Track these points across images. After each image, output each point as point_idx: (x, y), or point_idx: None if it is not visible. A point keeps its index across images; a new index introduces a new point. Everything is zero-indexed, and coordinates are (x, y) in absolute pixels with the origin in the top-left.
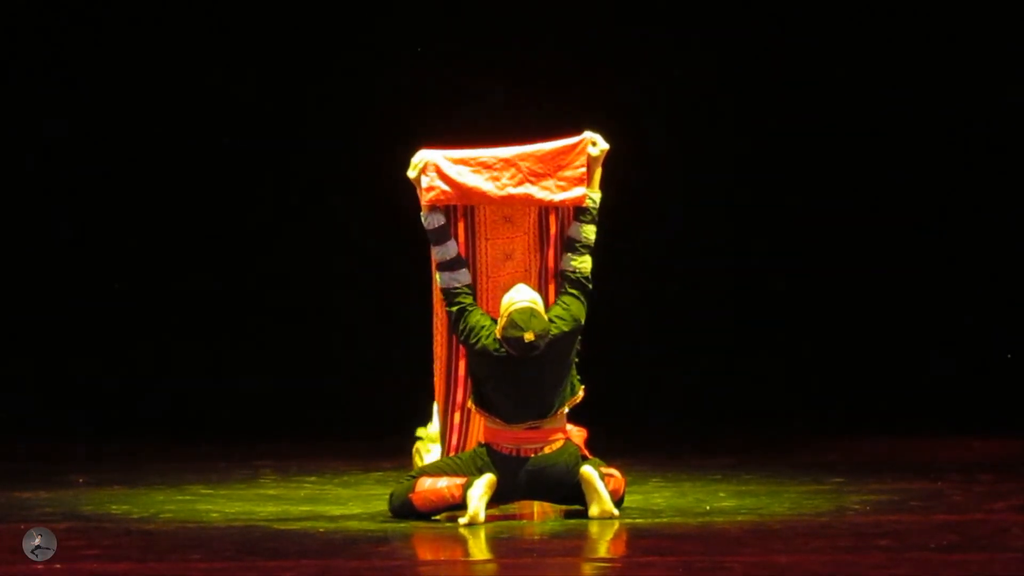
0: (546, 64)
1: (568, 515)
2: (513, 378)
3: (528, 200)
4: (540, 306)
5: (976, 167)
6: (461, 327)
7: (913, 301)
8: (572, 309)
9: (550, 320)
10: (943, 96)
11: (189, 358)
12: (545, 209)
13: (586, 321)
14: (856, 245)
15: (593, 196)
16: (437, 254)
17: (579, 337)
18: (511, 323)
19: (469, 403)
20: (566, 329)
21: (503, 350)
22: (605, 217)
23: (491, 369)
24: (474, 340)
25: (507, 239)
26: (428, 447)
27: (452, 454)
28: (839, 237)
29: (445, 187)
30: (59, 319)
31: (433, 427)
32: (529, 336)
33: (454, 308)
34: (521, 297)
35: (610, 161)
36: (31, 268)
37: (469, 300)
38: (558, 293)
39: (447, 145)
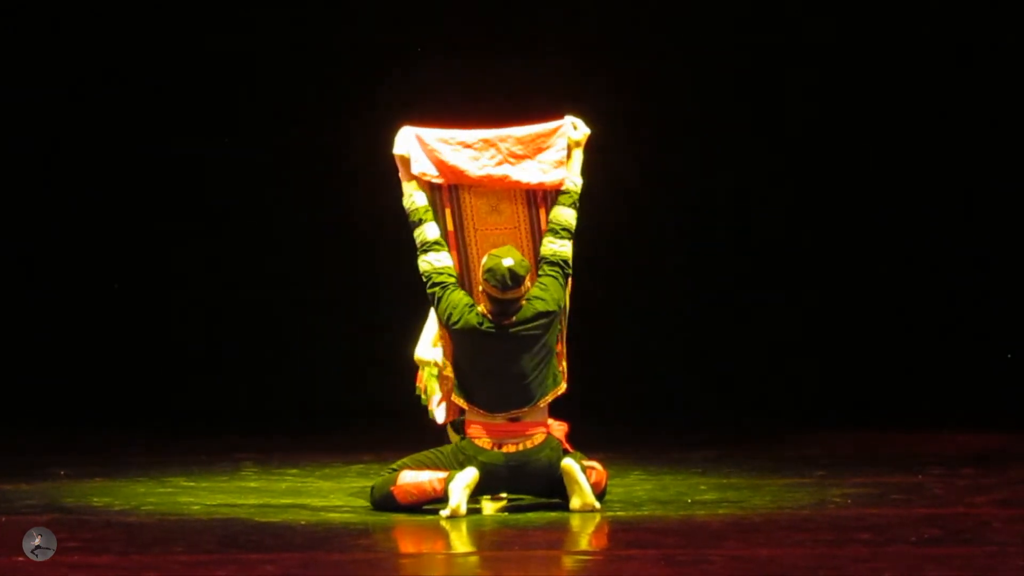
0: (535, 47)
1: (550, 508)
2: (495, 359)
3: (506, 181)
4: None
5: (961, 158)
6: (443, 307)
7: (897, 295)
8: (551, 290)
9: (530, 299)
10: (937, 89)
11: (175, 350)
12: (535, 204)
13: (570, 314)
14: (843, 240)
15: (575, 181)
16: (418, 236)
17: (560, 323)
18: (491, 257)
19: (453, 396)
20: (548, 308)
21: (486, 325)
22: (600, 207)
23: (474, 349)
24: (457, 317)
25: (495, 231)
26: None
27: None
28: (825, 232)
29: (427, 162)
30: (42, 309)
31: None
32: (508, 262)
33: (435, 289)
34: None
35: (595, 150)
36: (11, 258)
37: (452, 280)
38: (537, 276)
39: (430, 125)
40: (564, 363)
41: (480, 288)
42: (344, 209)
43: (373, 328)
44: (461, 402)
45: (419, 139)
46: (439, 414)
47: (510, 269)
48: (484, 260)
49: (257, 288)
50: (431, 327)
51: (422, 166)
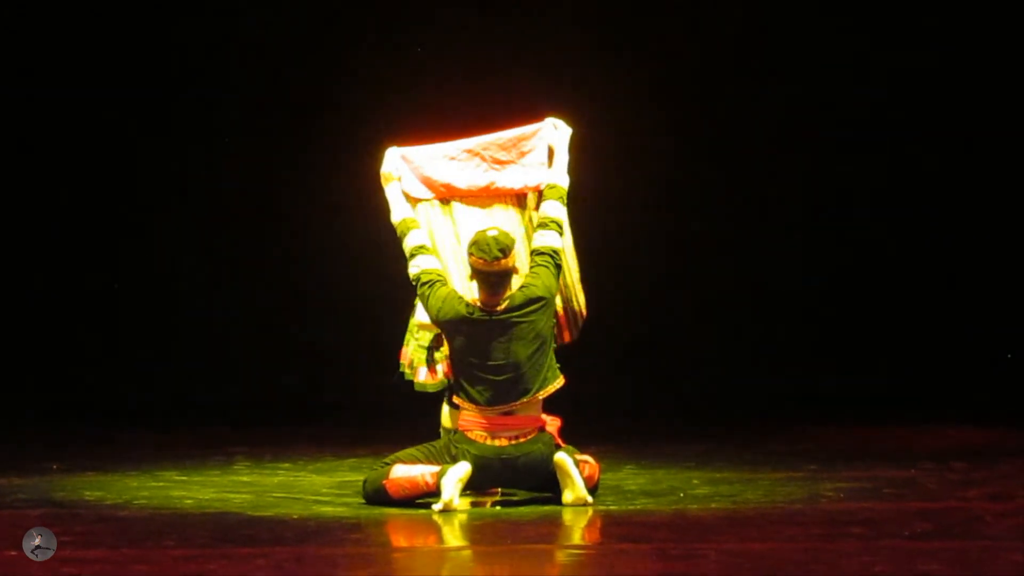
0: (511, 53)
1: (542, 502)
2: (487, 349)
3: (492, 188)
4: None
5: (961, 157)
6: (431, 302)
7: (888, 290)
8: (542, 277)
9: (523, 286)
10: (939, 90)
11: (164, 344)
12: (527, 208)
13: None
14: (838, 237)
15: (562, 178)
16: (406, 246)
17: (553, 310)
18: (476, 232)
19: (454, 398)
20: (538, 293)
21: (476, 314)
22: (588, 202)
23: (465, 339)
24: (446, 309)
25: None
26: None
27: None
28: (820, 229)
29: (413, 179)
30: (32, 305)
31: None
32: (493, 232)
33: (423, 288)
34: None
35: (587, 147)
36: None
37: (439, 279)
38: (530, 268)
39: (413, 139)
40: (582, 299)
41: (469, 276)
42: (341, 207)
43: (368, 324)
44: (457, 399)
45: (405, 159)
46: (423, 375)
47: (495, 238)
48: (470, 238)
49: (252, 284)
50: None
51: (410, 186)
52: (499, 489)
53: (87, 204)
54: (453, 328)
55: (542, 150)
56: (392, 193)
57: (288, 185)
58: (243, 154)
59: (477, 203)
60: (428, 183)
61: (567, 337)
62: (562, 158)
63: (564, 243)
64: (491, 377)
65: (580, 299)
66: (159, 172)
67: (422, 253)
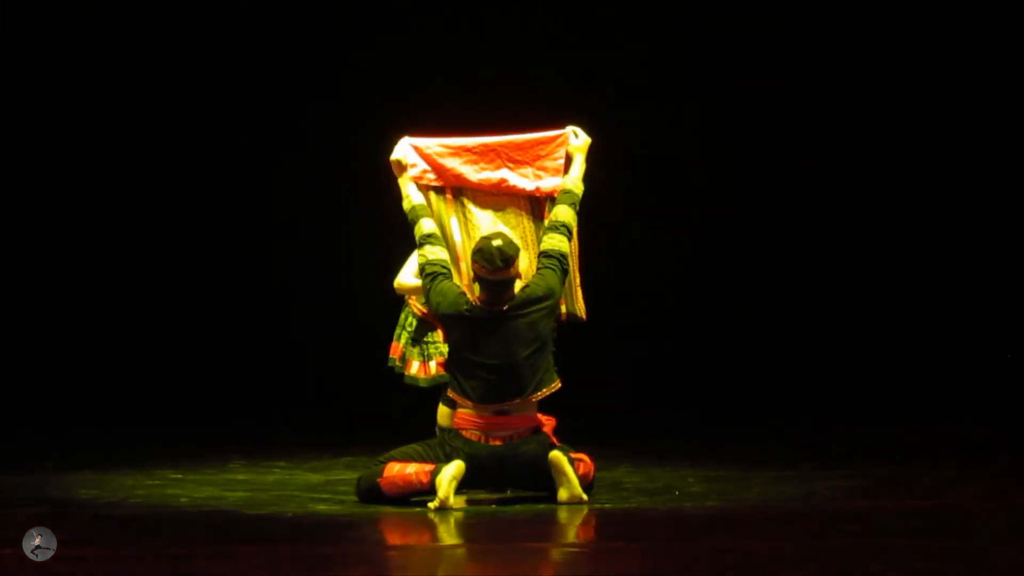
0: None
1: (537, 500)
2: (484, 345)
3: (504, 184)
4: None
5: (963, 155)
6: (433, 296)
7: (882, 287)
8: (547, 278)
9: (525, 287)
10: (940, 85)
11: (164, 343)
12: (539, 213)
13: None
14: (833, 235)
15: (577, 183)
16: (416, 232)
17: (555, 313)
18: (481, 239)
19: (449, 391)
20: (540, 293)
21: (476, 311)
22: (598, 200)
23: (462, 334)
24: (447, 304)
25: None
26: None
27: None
28: (816, 227)
29: (425, 166)
30: (28, 303)
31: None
32: (497, 241)
33: (425, 280)
34: None
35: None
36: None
37: (444, 271)
38: (537, 270)
39: (431, 133)
40: (580, 296)
41: (472, 278)
42: (339, 208)
43: (364, 322)
44: (452, 393)
45: (417, 147)
46: (415, 368)
47: (499, 248)
48: (475, 243)
49: (249, 282)
50: (414, 259)
51: (421, 173)
52: (494, 487)
53: (95, 208)
54: (451, 322)
55: (558, 157)
56: (405, 180)
57: (295, 192)
58: (251, 161)
59: (489, 202)
60: (440, 171)
61: (561, 319)
62: (579, 165)
63: (571, 248)
64: (485, 374)
65: (580, 305)
66: (168, 177)
67: (430, 242)
